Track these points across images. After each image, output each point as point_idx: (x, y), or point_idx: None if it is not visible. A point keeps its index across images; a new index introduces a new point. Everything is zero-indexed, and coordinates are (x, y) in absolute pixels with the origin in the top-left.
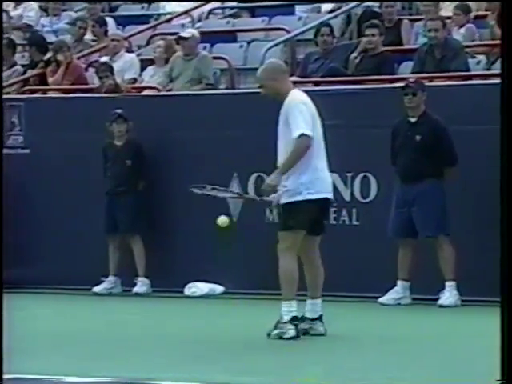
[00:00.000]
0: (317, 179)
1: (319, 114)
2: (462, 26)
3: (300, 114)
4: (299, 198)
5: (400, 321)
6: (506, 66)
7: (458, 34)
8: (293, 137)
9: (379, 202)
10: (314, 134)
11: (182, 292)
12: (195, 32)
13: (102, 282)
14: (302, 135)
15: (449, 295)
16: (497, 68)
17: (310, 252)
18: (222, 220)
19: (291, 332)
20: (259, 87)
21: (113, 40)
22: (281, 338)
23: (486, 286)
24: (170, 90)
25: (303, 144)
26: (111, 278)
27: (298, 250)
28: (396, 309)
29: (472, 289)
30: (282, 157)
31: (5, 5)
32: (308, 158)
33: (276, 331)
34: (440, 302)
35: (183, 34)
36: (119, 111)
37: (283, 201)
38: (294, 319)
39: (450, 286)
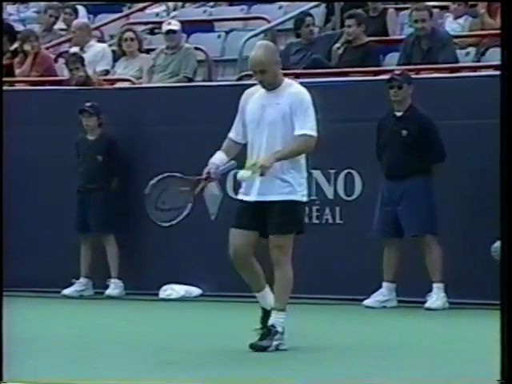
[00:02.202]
0: (305, 180)
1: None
2: (459, 17)
3: (311, 111)
4: (298, 197)
5: (386, 325)
6: (507, 58)
7: (454, 24)
8: (300, 132)
9: (364, 199)
10: None
11: (156, 295)
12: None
13: (72, 283)
14: (307, 135)
15: (436, 298)
16: (486, 60)
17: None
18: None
19: (286, 344)
20: (260, 72)
21: (78, 29)
22: (277, 349)
23: (475, 288)
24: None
25: (307, 144)
26: (82, 280)
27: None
28: (381, 312)
29: (460, 291)
30: (270, 148)
31: None
32: (302, 159)
33: (275, 342)
34: (427, 304)
35: (172, 27)
36: (87, 104)
37: (278, 198)
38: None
39: (437, 287)
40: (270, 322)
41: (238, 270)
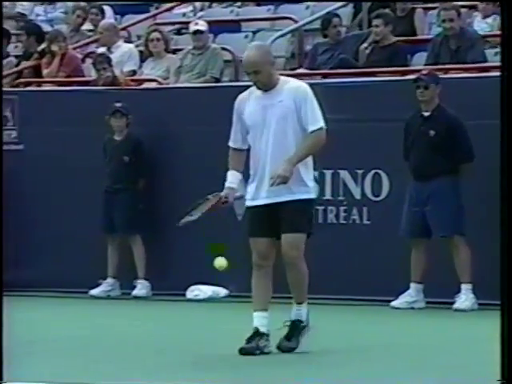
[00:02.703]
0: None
1: (328, 107)
2: (487, 16)
3: (316, 104)
4: (311, 195)
5: (413, 326)
6: (506, 59)
7: (483, 23)
8: (312, 129)
9: (391, 200)
10: None
11: (183, 295)
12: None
13: (99, 284)
14: (322, 129)
15: (465, 298)
16: None
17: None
18: (219, 262)
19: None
20: (254, 73)
21: (105, 29)
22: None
23: None
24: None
25: (322, 138)
26: (109, 281)
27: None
28: (409, 313)
29: (489, 292)
30: (283, 150)
31: None
32: (311, 158)
33: (301, 338)
34: (456, 305)
35: (199, 27)
36: (118, 105)
37: (289, 197)
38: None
39: (466, 288)
40: (294, 316)
41: (257, 279)
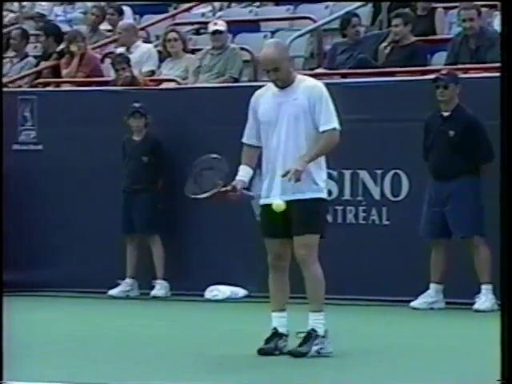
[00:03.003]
0: (325, 179)
1: (347, 107)
2: None
3: (331, 104)
4: (322, 195)
5: (433, 326)
6: (506, 61)
7: None
8: (325, 128)
9: (411, 200)
10: None
11: (202, 295)
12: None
13: (118, 284)
14: (335, 129)
15: (485, 299)
16: None
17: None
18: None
19: (330, 346)
20: (273, 70)
21: (124, 30)
22: (319, 353)
23: None
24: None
25: (335, 138)
26: (128, 281)
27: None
28: (429, 313)
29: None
30: (294, 148)
31: None
32: (323, 157)
33: (315, 347)
34: (476, 306)
35: (218, 27)
36: (137, 105)
37: (300, 196)
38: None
39: (486, 289)
40: (309, 325)
41: (273, 279)
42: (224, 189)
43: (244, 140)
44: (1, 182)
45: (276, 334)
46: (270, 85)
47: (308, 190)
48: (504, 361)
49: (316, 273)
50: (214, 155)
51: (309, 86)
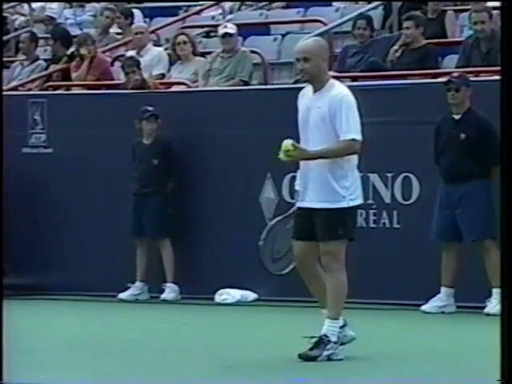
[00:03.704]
0: (356, 183)
1: (358, 110)
2: None
3: (353, 113)
4: (344, 204)
5: (444, 330)
6: (506, 62)
7: None
8: (341, 138)
9: (421, 203)
10: None
11: (212, 299)
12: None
13: (128, 288)
14: (354, 140)
15: (496, 303)
16: None
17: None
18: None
19: (341, 353)
20: (303, 60)
21: (136, 33)
22: (329, 359)
23: None
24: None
25: (352, 149)
26: (138, 284)
27: (303, 259)
28: (439, 317)
29: None
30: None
31: None
32: (353, 160)
33: (326, 352)
34: (487, 310)
35: (228, 30)
36: (150, 109)
37: (323, 206)
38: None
39: (497, 293)
40: (323, 331)
41: (306, 283)
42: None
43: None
44: (1, 183)
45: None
46: (310, 87)
47: (329, 200)
48: (504, 361)
49: (338, 280)
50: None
51: (332, 95)
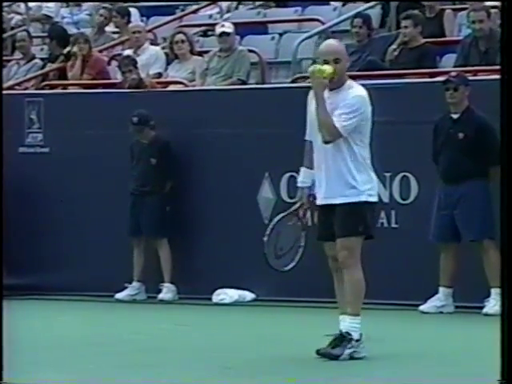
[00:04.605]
0: (374, 181)
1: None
2: None
3: (356, 111)
4: (363, 198)
5: (442, 330)
6: (506, 61)
7: None
8: (336, 122)
9: (420, 203)
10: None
11: (209, 299)
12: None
13: (125, 288)
14: (336, 129)
15: (494, 303)
16: None
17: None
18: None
19: (364, 351)
20: (334, 61)
21: (134, 32)
22: (351, 358)
23: None
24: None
25: (328, 134)
26: (135, 284)
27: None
28: (438, 317)
29: None
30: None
31: None
32: (367, 159)
33: (348, 350)
34: (485, 310)
35: (225, 29)
36: (134, 120)
37: (341, 200)
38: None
39: (495, 293)
40: (344, 328)
41: (335, 283)
42: (299, 212)
43: (306, 137)
44: (1, 182)
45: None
46: None
47: (347, 194)
48: (504, 361)
49: (356, 276)
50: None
51: (348, 94)
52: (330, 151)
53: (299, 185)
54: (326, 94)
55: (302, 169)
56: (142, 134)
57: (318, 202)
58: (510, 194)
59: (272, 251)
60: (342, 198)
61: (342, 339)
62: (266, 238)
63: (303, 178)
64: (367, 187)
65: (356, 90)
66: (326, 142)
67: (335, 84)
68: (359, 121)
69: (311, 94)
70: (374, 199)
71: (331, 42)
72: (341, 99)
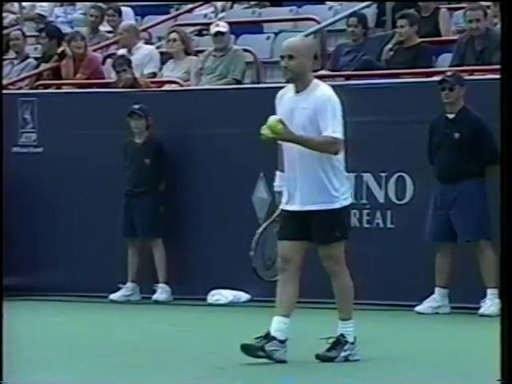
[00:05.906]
0: (346, 183)
1: (351, 109)
2: None
3: (339, 115)
4: (337, 205)
5: (438, 331)
6: (506, 61)
7: None
8: (325, 133)
9: (415, 203)
10: None
11: (204, 300)
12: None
13: (119, 288)
14: (337, 139)
15: (490, 304)
16: None
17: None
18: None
19: (358, 354)
20: (288, 57)
21: (124, 31)
22: (347, 360)
23: None
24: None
25: (334, 147)
26: (129, 285)
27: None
28: (434, 318)
29: None
30: (310, 157)
31: None
32: (341, 160)
33: (344, 353)
34: (481, 310)
35: (220, 29)
36: (135, 106)
37: (319, 207)
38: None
39: (491, 293)
40: (339, 331)
41: (279, 284)
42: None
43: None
44: (1, 182)
45: (266, 336)
46: (291, 87)
47: (323, 201)
48: (504, 361)
49: (345, 283)
50: (253, 244)
51: (317, 96)
52: (304, 155)
53: (276, 189)
54: (294, 96)
55: (278, 173)
56: (138, 124)
57: (291, 207)
58: (510, 194)
59: (261, 263)
60: (319, 205)
61: (338, 342)
62: (252, 253)
63: (280, 181)
64: (342, 190)
65: (323, 90)
66: (336, 153)
67: (301, 84)
68: (340, 118)
69: (279, 94)
70: (349, 201)
71: (293, 39)
72: (312, 100)
